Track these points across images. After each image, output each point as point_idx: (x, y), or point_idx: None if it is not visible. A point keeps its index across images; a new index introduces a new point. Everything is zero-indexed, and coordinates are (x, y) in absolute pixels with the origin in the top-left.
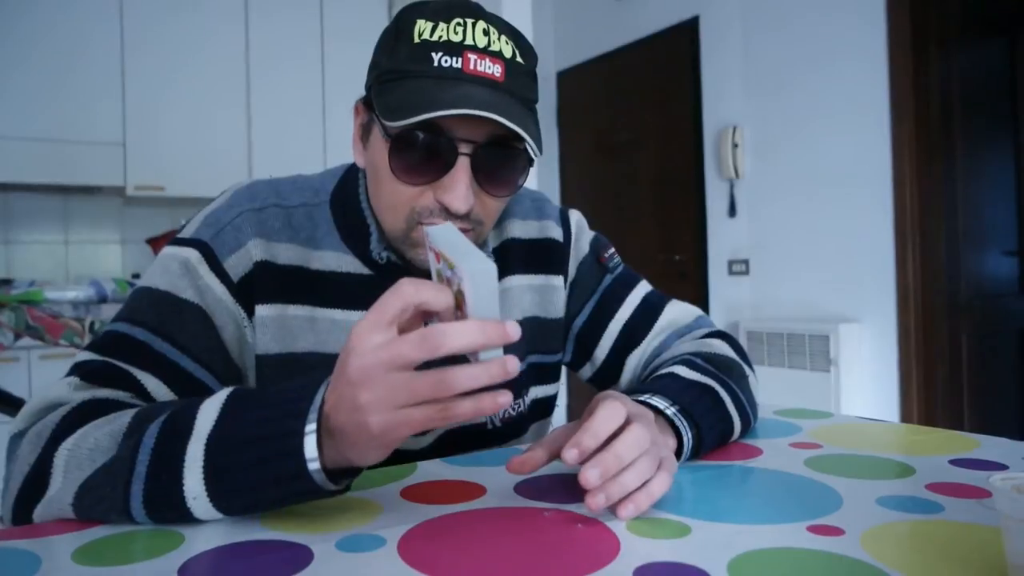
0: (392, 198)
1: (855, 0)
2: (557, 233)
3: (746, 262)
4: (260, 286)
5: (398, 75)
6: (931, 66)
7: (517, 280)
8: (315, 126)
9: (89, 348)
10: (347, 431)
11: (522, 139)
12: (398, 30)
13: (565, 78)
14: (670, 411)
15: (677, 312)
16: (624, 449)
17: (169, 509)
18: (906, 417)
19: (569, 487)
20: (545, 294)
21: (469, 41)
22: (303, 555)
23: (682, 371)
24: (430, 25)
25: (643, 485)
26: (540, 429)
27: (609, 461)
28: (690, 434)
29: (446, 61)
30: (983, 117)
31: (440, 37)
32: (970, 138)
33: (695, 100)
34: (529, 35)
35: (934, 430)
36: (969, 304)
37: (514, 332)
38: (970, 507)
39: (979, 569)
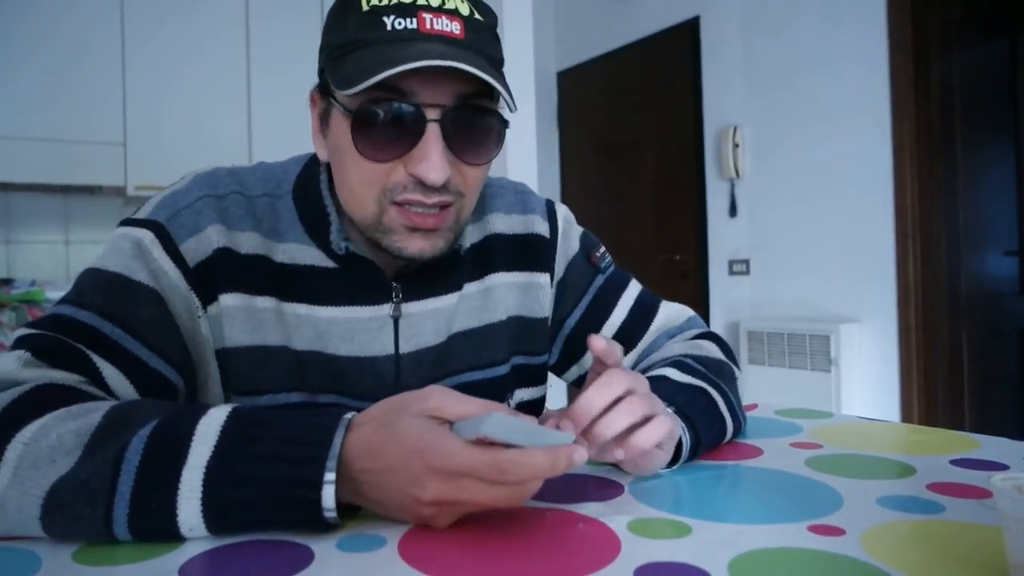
0: (360, 179)
1: (855, 0)
2: (543, 228)
3: (746, 262)
4: (223, 274)
5: (350, 46)
6: (931, 66)
7: (501, 278)
8: None
9: (31, 326)
10: (386, 503)
11: (493, 99)
12: (344, 3)
13: (565, 78)
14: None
15: (671, 313)
16: (593, 399)
17: (160, 536)
18: (906, 417)
19: (569, 487)
20: (529, 292)
21: (422, 1)
22: (303, 555)
23: (674, 374)
24: None
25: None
26: None
27: (577, 413)
28: (688, 435)
29: (399, 23)
30: (983, 117)
31: (390, 1)
32: (970, 138)
33: (695, 100)
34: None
35: (934, 430)
36: (969, 304)
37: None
38: (971, 507)
39: (980, 569)
